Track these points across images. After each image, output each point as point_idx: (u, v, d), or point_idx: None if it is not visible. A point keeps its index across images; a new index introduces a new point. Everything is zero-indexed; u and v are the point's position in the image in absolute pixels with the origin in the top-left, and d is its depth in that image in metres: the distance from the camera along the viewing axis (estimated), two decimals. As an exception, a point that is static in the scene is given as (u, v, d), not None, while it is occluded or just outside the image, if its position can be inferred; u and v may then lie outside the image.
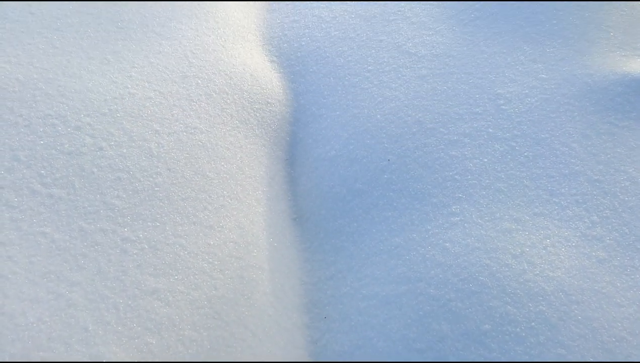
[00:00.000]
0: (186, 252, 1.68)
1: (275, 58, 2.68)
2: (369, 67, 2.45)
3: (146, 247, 1.64)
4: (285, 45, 2.73)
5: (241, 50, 2.59)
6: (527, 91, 2.12)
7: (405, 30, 2.57)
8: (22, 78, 2.01)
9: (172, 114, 2.09)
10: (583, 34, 2.29)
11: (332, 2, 2.91)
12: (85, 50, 2.22)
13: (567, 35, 2.30)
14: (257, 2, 3.04)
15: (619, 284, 1.54)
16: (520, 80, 2.17)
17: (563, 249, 1.62)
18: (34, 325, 1.37)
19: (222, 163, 2.05)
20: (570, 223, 1.68)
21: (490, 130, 2.02)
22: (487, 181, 1.86)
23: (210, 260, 1.70)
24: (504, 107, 2.09)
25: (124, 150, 1.89)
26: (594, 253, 1.60)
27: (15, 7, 2.35)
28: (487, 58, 2.31)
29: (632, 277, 1.55)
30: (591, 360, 1.37)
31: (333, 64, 2.54)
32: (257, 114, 2.34)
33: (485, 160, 1.93)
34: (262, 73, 2.53)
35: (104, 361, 1.42)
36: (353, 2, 2.84)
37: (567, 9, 2.42)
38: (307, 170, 2.26)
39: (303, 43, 2.70)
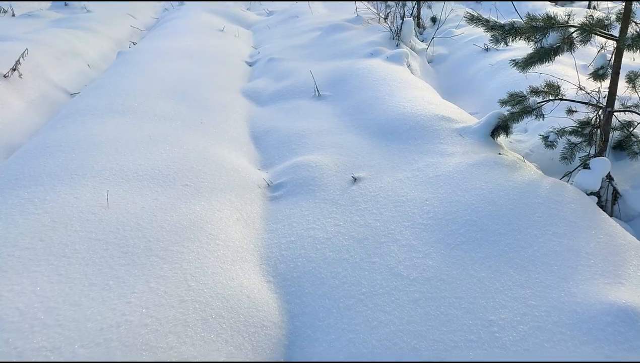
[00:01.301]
0: None
1: (272, 278, 2.76)
2: (363, 289, 2.52)
3: None
4: (282, 265, 2.84)
5: (239, 271, 2.68)
6: (518, 318, 2.16)
7: (396, 253, 2.70)
8: (22, 307, 2.04)
9: (167, 341, 2.09)
10: (565, 261, 2.42)
11: (326, 223, 3.10)
12: (89, 277, 2.29)
13: (549, 262, 2.42)
14: (256, 223, 3.24)
15: None
16: (511, 306, 2.23)
17: None
18: None
19: (214, 395, 1.99)
20: None
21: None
22: (490, 418, 1.79)
23: None
24: (497, 334, 2.10)
25: (114, 385, 1.84)
26: None
27: (26, 235, 2.49)
28: (476, 282, 2.40)
29: None
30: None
31: (328, 285, 2.61)
32: (252, 338, 2.33)
33: (485, 393, 1.88)
34: (259, 294, 2.58)
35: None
36: (345, 224, 3.03)
37: (545, 236, 2.59)
38: (302, 400, 2.17)
39: (299, 263, 2.81)
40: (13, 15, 8.98)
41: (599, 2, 9.06)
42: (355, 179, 3.55)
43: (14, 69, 5.21)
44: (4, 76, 5.08)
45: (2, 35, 6.65)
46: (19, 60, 5.26)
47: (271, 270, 2.82)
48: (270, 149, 4.42)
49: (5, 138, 4.41)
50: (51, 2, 10.16)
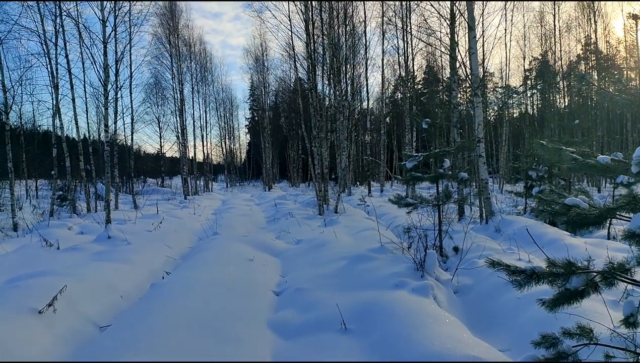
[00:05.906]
0: None
1: None
2: None
3: None
4: None
5: None
6: None
7: None
8: None
9: None
10: None
11: None
12: None
13: None
14: None
15: None
16: None
17: None
18: None
19: None
20: None
21: None
22: None
23: None
24: None
25: None
26: None
27: None
28: None
29: None
30: None
31: None
32: None
33: None
34: None
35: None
36: None
37: None
38: None
39: None
40: (58, 248, 9.61)
41: (618, 232, 9.30)
42: None
43: (50, 305, 5.38)
44: (39, 312, 5.23)
45: (45, 269, 7.04)
46: (56, 296, 5.46)
47: None
48: (295, 393, 4.22)
49: (27, 379, 4.34)
50: (96, 235, 10.95)
